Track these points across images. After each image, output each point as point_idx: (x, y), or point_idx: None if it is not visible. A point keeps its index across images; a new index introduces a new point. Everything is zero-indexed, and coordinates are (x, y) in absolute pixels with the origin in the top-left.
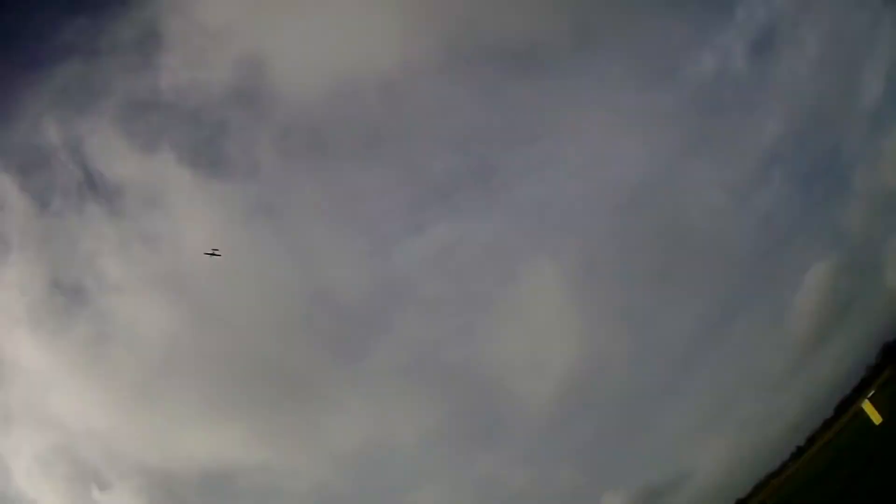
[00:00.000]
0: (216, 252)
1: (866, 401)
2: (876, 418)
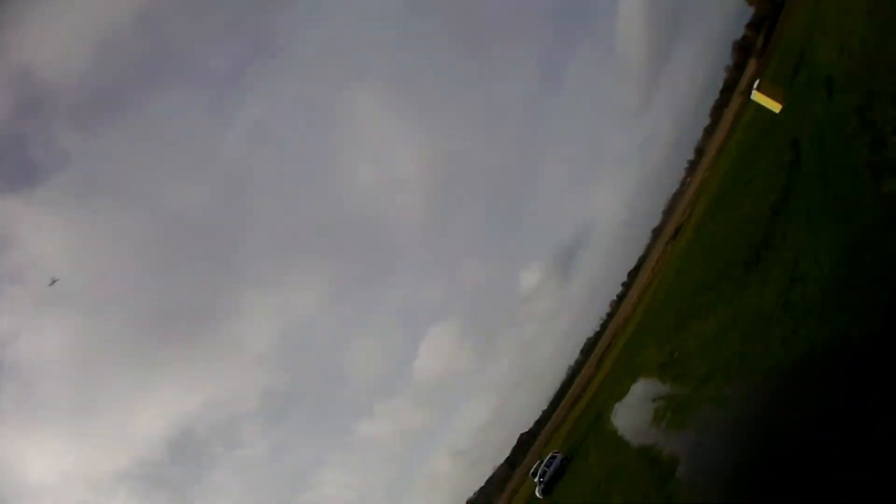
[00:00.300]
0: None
1: (755, 92)
2: (774, 106)
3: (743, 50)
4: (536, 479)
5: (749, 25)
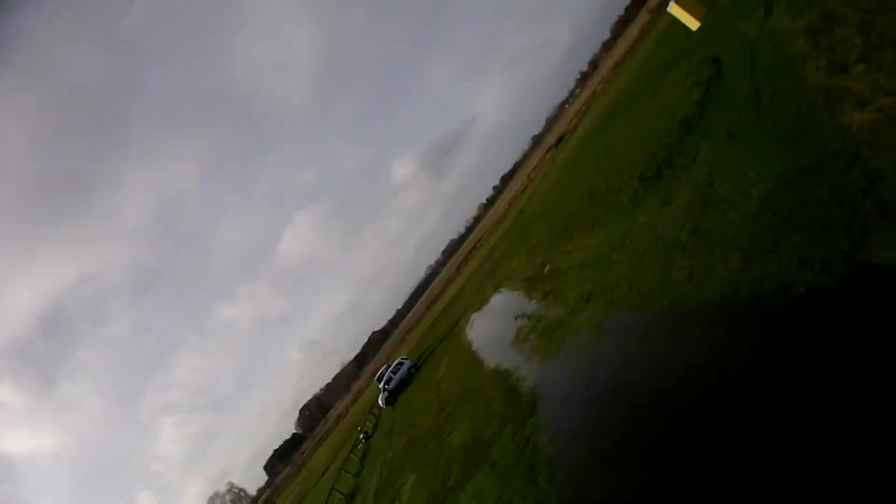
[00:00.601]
0: None
1: (673, 4)
2: (692, 22)
3: None
4: (381, 386)
5: None
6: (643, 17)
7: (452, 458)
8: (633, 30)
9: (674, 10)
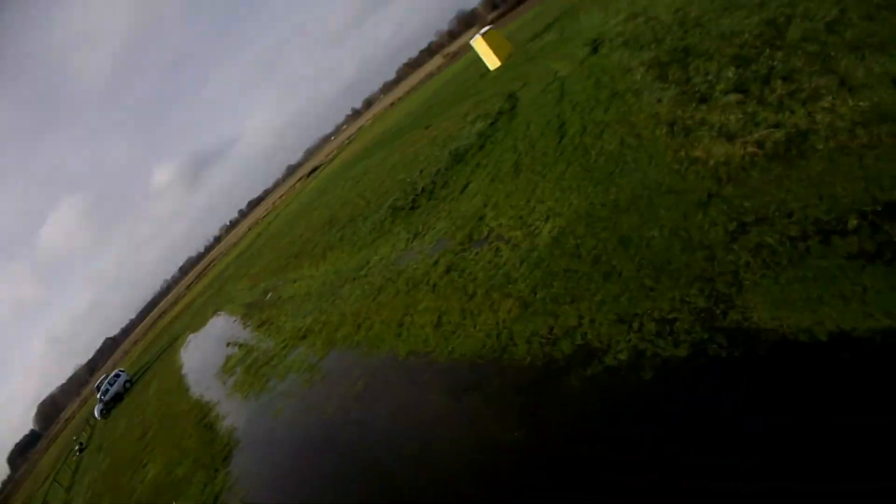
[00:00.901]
0: None
1: (479, 38)
2: (493, 60)
3: (467, 22)
4: (98, 396)
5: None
6: (437, 61)
7: (143, 498)
8: (421, 73)
9: (478, 44)
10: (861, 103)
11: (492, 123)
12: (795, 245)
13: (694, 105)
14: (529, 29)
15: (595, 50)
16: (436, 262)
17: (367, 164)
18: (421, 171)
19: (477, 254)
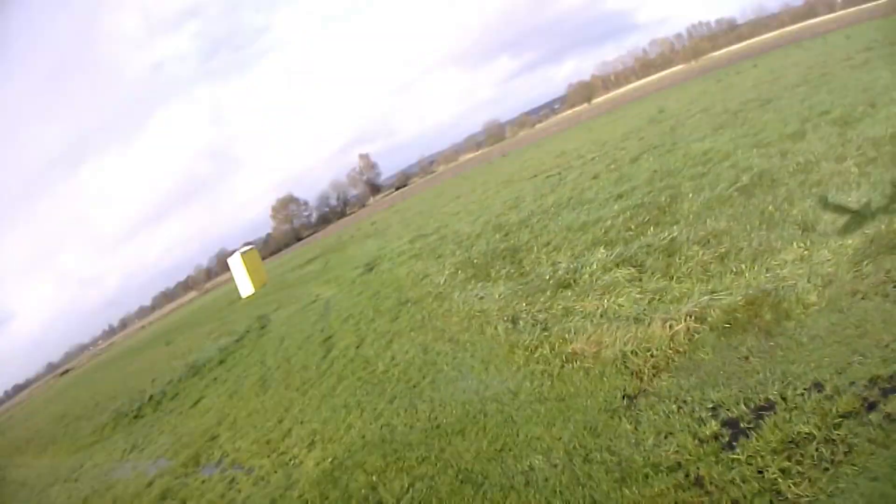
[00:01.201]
0: None
1: (239, 255)
2: (249, 282)
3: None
4: None
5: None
6: (191, 294)
7: None
8: (174, 304)
9: (235, 263)
10: None
11: (237, 340)
12: None
13: (549, 293)
14: (289, 265)
15: (370, 269)
16: (150, 484)
17: (108, 369)
18: (153, 381)
19: (204, 483)
